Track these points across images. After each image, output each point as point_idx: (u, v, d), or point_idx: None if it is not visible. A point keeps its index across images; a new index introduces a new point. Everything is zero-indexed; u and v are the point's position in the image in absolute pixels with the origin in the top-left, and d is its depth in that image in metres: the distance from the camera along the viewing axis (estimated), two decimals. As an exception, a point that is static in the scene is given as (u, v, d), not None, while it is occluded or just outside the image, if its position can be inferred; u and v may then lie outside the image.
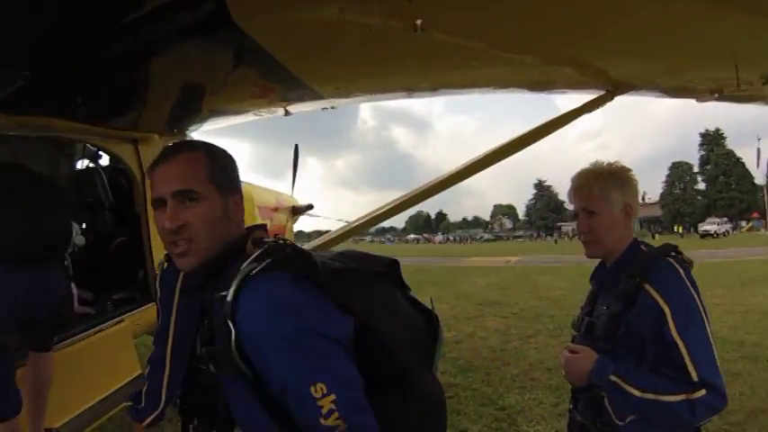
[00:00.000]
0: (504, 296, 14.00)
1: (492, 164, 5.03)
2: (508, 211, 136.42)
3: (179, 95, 3.80)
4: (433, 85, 3.65)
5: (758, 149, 63.58)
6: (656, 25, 2.55)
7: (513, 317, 10.73)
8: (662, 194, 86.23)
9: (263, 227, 1.61)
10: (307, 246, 5.65)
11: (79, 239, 3.77)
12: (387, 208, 5.07)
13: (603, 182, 2.01)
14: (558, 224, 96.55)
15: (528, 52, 3.01)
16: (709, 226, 60.84)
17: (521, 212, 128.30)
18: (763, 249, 26.08)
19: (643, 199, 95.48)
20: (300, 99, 3.80)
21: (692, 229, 69.59)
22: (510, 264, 28.17)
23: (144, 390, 2.65)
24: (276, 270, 1.31)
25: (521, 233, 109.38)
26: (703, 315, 1.79)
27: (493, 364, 7.18)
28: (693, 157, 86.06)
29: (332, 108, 4.20)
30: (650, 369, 1.78)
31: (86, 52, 2.65)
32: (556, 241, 73.56)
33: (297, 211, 7.88)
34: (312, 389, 1.20)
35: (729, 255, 26.13)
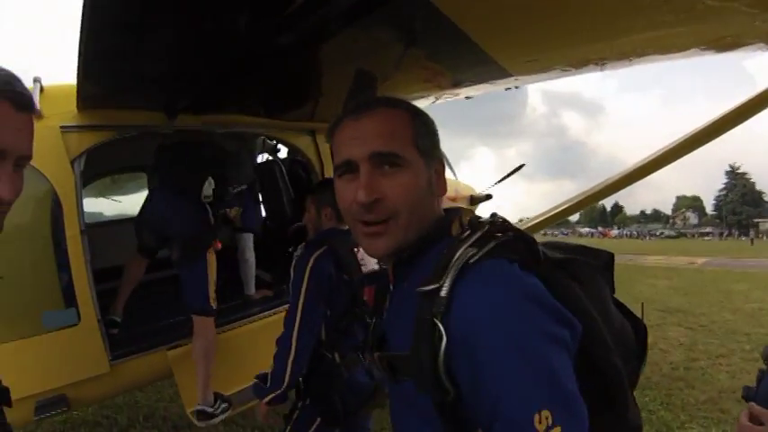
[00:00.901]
0: (690, 304, 12.35)
1: (684, 154, 4.43)
2: (693, 203, 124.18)
3: (356, 82, 3.75)
4: (631, 53, 3.17)
5: None
6: None
7: (700, 330, 9.41)
8: None
9: (459, 211, 1.29)
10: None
11: (207, 191, 4.20)
12: (569, 204, 4.74)
13: None
14: (756, 221, 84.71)
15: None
16: None
17: (708, 206, 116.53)
18: None
19: None
20: (486, 78, 3.50)
21: None
22: (696, 266, 25.27)
23: (270, 370, 2.82)
24: (502, 257, 1.04)
25: (708, 230, 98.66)
26: None
27: (675, 384, 6.27)
28: None
29: (515, 88, 3.89)
30: None
31: (263, 49, 2.69)
32: (752, 241, 65.18)
33: (475, 200, 7.78)
34: (536, 417, 0.88)
35: None
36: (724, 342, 8.38)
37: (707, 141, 4.26)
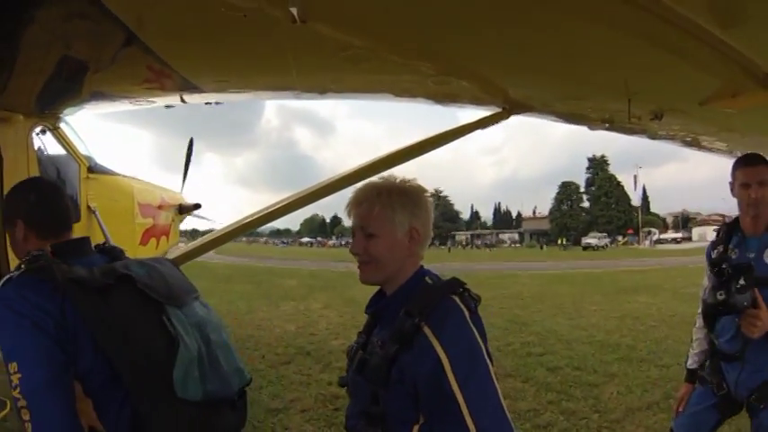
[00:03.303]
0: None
1: (386, 169, 5.00)
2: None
3: (59, 70, 3.23)
4: (321, 87, 3.42)
5: (635, 176, 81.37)
6: (555, 51, 2.51)
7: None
8: (551, 210, 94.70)
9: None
10: (190, 245, 5.35)
11: None
12: (276, 207, 4.88)
13: (389, 200, 1.69)
14: (453, 233, 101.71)
15: (422, 59, 2.83)
16: (591, 239, 67.57)
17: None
18: (637, 261, 28.30)
19: (534, 213, 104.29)
20: (176, 90, 3.44)
21: (575, 242, 75.28)
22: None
23: None
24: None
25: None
26: (487, 361, 1.57)
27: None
28: (581, 178, 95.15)
29: (216, 103, 3.92)
30: (427, 419, 1.55)
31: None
32: (449, 249, 76.57)
33: (183, 209, 7.42)
34: (10, 366, 1.51)
35: (607, 266, 28.37)
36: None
37: (406, 160, 4.88)
